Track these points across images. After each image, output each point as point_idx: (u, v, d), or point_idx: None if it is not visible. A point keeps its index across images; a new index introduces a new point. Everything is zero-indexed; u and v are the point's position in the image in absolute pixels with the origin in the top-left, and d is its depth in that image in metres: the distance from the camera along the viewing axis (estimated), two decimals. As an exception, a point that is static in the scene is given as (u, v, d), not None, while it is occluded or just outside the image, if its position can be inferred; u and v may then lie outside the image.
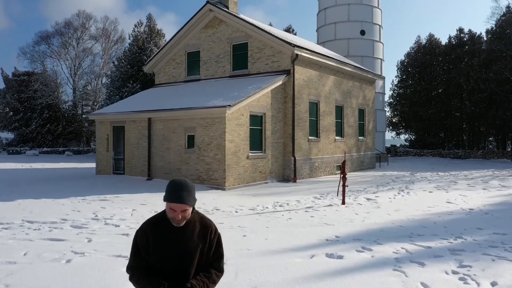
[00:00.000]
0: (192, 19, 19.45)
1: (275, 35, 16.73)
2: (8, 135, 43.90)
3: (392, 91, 40.64)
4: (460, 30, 37.82)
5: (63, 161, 31.38)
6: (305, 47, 17.19)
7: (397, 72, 40.54)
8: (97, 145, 18.48)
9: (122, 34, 45.78)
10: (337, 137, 20.13)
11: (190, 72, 19.90)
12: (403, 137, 41.09)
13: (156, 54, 20.96)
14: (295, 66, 16.69)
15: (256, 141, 15.32)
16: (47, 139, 41.37)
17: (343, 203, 10.98)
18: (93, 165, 22.90)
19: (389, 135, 40.82)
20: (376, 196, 12.41)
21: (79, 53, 44.35)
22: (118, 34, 45.62)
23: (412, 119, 38.29)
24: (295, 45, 16.28)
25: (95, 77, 42.78)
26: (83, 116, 43.67)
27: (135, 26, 37.63)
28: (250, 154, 14.90)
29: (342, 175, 11.20)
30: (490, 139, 37.00)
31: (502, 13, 34.52)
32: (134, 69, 35.51)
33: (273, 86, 15.84)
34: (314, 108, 18.32)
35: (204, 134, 14.29)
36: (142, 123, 16.41)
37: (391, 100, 40.67)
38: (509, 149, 34.92)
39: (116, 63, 39.45)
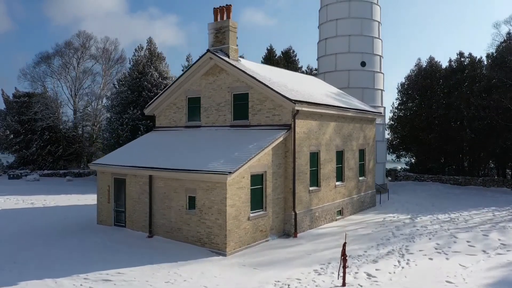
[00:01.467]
0: (193, 66, 19.54)
1: (276, 90, 16.75)
2: (9, 157, 43.99)
3: (392, 113, 40.71)
4: (461, 54, 37.84)
5: (64, 189, 31.44)
6: (306, 100, 17.22)
7: (398, 95, 40.60)
8: (98, 195, 18.53)
9: (122, 54, 45.95)
10: (337, 183, 20.18)
11: (191, 118, 19.95)
12: (403, 160, 41.14)
13: (157, 97, 21.01)
14: (296, 120, 16.74)
15: (257, 200, 15.37)
16: (47, 161, 41.46)
17: (344, 285, 11.04)
18: (94, 196, 22.94)
19: (389, 157, 40.84)
20: (376, 270, 12.44)
21: (79, 74, 44.44)
22: (118, 54, 45.73)
23: (412, 142, 38.33)
24: (295, 101, 16.32)
25: (96, 99, 42.83)
26: (84, 135, 43.76)
27: (136, 50, 37.73)
28: (251, 214, 14.95)
29: (342, 257, 11.24)
30: (491, 166, 37.00)
31: (502, 40, 34.58)
32: (134, 95, 35.60)
33: (274, 144, 15.88)
34: (314, 158, 18.36)
35: (205, 198, 14.34)
36: (143, 178, 16.46)
37: (391, 122, 40.71)
38: (509, 177, 34.94)
39: (116, 85, 39.56)
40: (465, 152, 37.09)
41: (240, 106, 18.20)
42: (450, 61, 38.83)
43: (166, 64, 39.26)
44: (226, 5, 19.36)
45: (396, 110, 40.44)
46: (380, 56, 30.00)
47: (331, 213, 19.59)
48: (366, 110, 22.76)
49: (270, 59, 41.14)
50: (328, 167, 19.32)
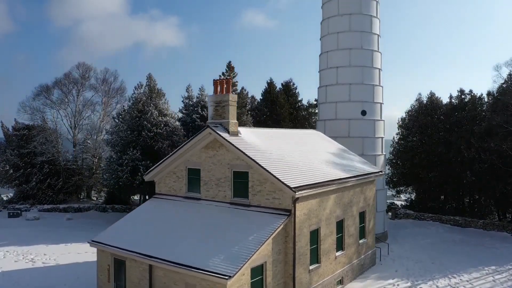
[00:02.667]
0: (193, 139, 19.47)
1: (276, 176, 16.69)
2: (8, 191, 43.98)
3: (393, 148, 40.65)
4: (461, 91, 37.82)
5: (64, 234, 31.32)
6: (306, 184, 17.15)
7: (398, 129, 40.58)
8: (98, 271, 18.49)
9: (122, 85, 45.88)
10: (337, 253, 20.14)
11: (191, 189, 19.91)
12: (403, 196, 41.13)
13: (158, 165, 20.93)
14: (296, 204, 16.69)
15: (257, 292, 15.32)
16: (47, 194, 41.40)
17: None
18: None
19: (389, 192, 40.82)
20: None
21: (79, 106, 44.44)
22: (117, 84, 45.70)
23: (412, 180, 38.31)
24: (296, 189, 16.27)
25: (95, 132, 42.81)
26: (84, 167, 43.72)
27: (135, 88, 37.80)
28: (251, 310, 14.90)
29: None
30: (492, 209, 36.96)
31: (503, 81, 34.55)
32: (134, 134, 35.59)
33: (274, 234, 15.83)
34: (314, 236, 18.32)
35: (205, 296, 14.29)
36: (143, 265, 16.41)
37: (391, 156, 40.69)
38: (509, 220, 34.91)
39: (116, 118, 39.47)
40: (465, 193, 37.07)
41: (240, 184, 18.15)
42: (450, 97, 38.87)
43: (166, 100, 39.30)
44: (226, 78, 19.34)
45: (396, 145, 40.40)
46: (381, 103, 29.95)
47: (331, 284, 19.55)
48: (367, 174, 22.69)
49: (270, 93, 41.12)
50: (328, 241, 19.27)
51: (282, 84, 44.09)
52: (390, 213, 37.01)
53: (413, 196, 40.61)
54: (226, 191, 18.50)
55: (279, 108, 39.10)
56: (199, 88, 44.14)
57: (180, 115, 44.58)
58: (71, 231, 32.76)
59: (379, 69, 30.02)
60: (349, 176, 20.74)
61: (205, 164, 19.25)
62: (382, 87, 30.25)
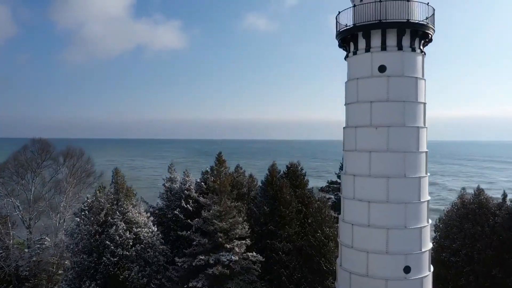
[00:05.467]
0: None
1: None
2: None
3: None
4: (521, 193, 29.10)
5: None
6: None
7: (435, 233, 31.90)
8: None
9: (89, 167, 37.10)
10: None
11: None
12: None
13: None
14: None
15: None
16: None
17: None
18: None
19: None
20: None
21: (36, 187, 35.85)
22: (83, 165, 37.00)
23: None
24: None
25: (54, 234, 34.12)
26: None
27: (97, 191, 29.00)
28: None
29: None
30: None
31: None
32: (93, 257, 26.87)
33: None
34: None
35: None
36: None
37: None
38: None
39: (78, 219, 30.77)
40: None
41: None
42: (504, 196, 30.12)
43: (137, 200, 30.64)
44: None
45: (433, 254, 31.63)
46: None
47: None
48: None
49: (272, 184, 32.31)
50: None
51: (287, 167, 35.31)
52: None
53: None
54: None
55: (284, 208, 30.50)
56: (183, 172, 35.66)
57: (160, 201, 36.07)
58: None
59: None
60: None
61: None
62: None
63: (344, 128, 22.68)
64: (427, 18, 21.60)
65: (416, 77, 21.10)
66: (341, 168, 37.20)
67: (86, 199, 31.24)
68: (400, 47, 20.69)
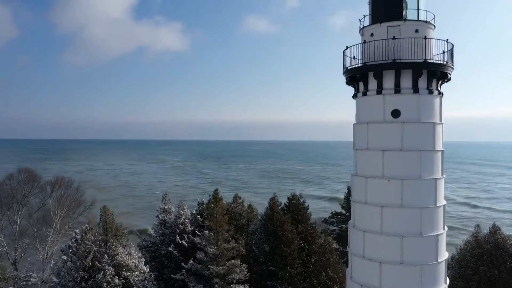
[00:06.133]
0: None
1: None
2: None
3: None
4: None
5: None
6: None
7: (449, 272, 29.71)
8: None
9: (77, 197, 34.95)
10: None
11: None
12: None
13: None
14: None
15: None
16: None
17: None
18: None
19: None
20: None
21: (21, 222, 33.71)
22: (72, 195, 34.81)
23: None
24: None
25: (42, 267, 31.93)
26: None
27: (83, 232, 26.79)
28: None
29: None
30: None
31: None
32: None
33: None
34: None
35: None
36: None
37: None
38: None
39: (65, 257, 28.64)
40: None
41: None
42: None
43: (128, 240, 28.46)
44: None
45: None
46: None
47: None
48: None
49: (272, 219, 30.22)
50: None
51: (288, 199, 33.24)
52: None
53: None
54: None
55: (285, 247, 28.33)
56: (178, 205, 33.57)
57: (154, 233, 34.04)
58: None
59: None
60: None
61: None
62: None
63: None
64: (443, 53, 19.50)
65: (434, 123, 18.96)
66: (345, 198, 35.15)
67: (74, 234, 29.12)
68: (416, 89, 18.56)
